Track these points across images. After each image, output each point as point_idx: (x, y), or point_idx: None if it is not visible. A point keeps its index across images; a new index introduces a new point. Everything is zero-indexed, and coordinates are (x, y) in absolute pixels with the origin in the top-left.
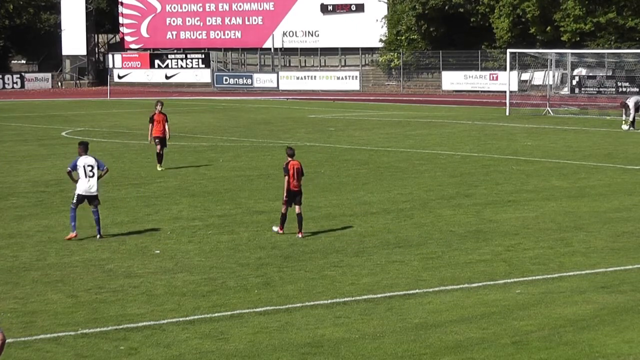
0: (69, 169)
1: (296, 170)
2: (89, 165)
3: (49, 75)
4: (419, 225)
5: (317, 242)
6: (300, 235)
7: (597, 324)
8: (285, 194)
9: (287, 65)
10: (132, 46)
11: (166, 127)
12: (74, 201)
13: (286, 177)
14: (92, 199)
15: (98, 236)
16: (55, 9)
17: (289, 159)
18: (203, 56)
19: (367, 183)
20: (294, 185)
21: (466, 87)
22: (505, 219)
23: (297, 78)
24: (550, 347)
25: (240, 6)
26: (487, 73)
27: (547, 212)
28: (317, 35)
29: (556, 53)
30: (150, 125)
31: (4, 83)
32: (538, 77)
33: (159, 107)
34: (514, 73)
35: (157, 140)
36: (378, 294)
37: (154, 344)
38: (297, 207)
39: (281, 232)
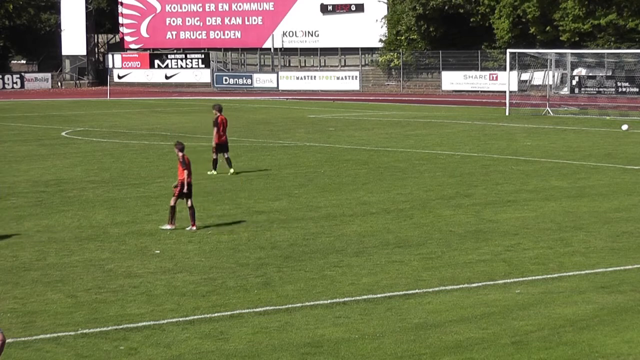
0: None
1: (189, 164)
2: None
3: (48, 75)
4: (419, 225)
5: (317, 242)
6: (194, 228)
7: (596, 324)
8: (180, 187)
9: (287, 65)
10: (132, 46)
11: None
12: None
13: (186, 171)
14: None
15: None
16: (55, 9)
17: (181, 153)
18: (203, 56)
19: (367, 183)
20: (190, 179)
21: (466, 87)
22: (505, 219)
23: (297, 78)
24: (550, 347)
25: (240, 6)
26: (486, 73)
27: (547, 212)
28: (317, 35)
29: (556, 53)
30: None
31: (3, 83)
32: (538, 77)
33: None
34: (514, 73)
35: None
36: (378, 294)
37: (153, 344)
38: (189, 200)
39: (172, 227)
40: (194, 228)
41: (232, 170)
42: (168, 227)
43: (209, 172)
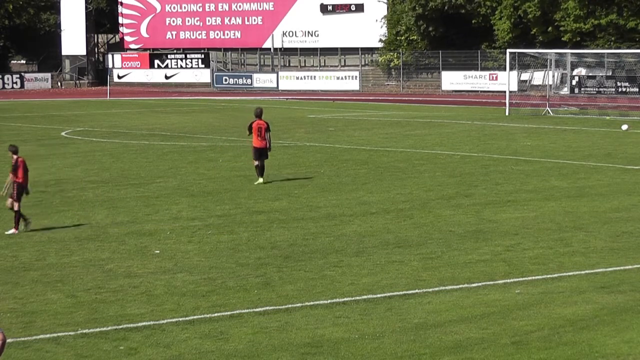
0: None
1: (21, 167)
2: None
3: (48, 75)
4: (419, 225)
5: (317, 242)
6: (16, 231)
7: (596, 324)
8: (16, 190)
9: (287, 65)
10: (132, 46)
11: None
12: None
13: (14, 173)
14: None
15: None
16: (55, 9)
17: (15, 155)
18: (203, 56)
19: (366, 183)
20: (21, 180)
21: (466, 87)
22: (505, 219)
23: (297, 78)
24: (550, 347)
25: (240, 6)
26: (486, 73)
27: (546, 212)
28: (316, 35)
29: (556, 53)
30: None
31: (3, 83)
32: (538, 77)
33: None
34: (514, 73)
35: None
36: (378, 294)
37: (153, 344)
38: (17, 204)
39: (16, 231)
40: (16, 231)
41: (260, 180)
42: (12, 231)
43: (255, 183)
